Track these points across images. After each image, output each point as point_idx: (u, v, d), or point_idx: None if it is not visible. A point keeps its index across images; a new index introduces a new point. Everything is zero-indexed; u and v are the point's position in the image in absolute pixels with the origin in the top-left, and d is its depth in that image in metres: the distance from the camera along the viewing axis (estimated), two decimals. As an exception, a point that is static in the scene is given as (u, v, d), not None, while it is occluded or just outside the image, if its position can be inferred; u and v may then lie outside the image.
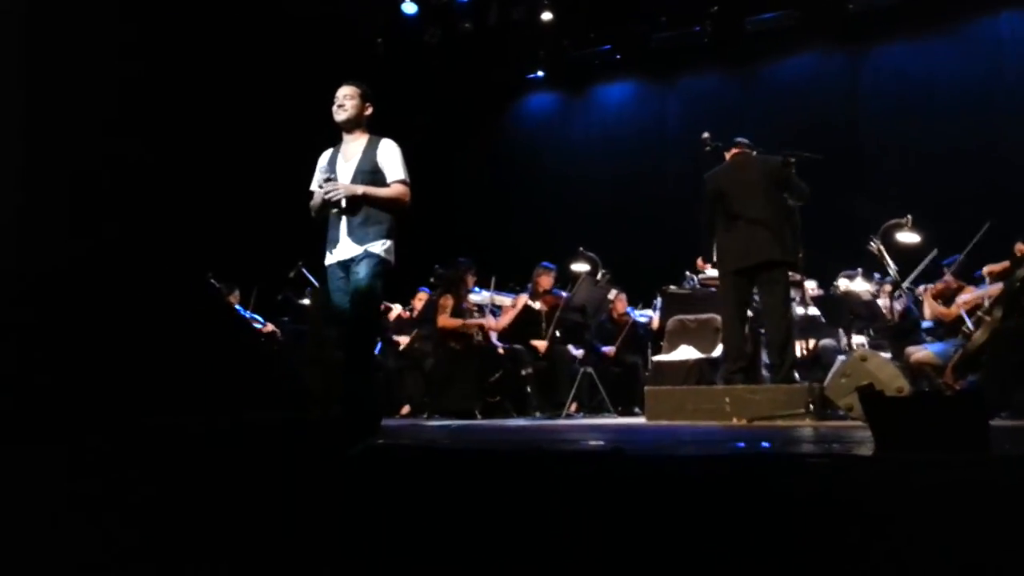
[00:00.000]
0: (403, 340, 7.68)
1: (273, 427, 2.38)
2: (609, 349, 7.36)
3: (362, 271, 3.55)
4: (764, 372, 5.51)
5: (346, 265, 3.62)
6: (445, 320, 6.74)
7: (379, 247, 3.58)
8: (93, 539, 1.85)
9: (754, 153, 5.40)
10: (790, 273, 5.29)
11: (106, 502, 1.94)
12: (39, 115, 2.37)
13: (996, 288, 5.50)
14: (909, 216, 5.95)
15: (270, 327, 7.73)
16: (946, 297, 6.02)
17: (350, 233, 3.60)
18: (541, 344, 6.88)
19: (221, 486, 2.03)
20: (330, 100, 3.74)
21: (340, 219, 3.63)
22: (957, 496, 1.54)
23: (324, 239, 3.72)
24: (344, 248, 3.62)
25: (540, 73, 10.54)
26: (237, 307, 7.26)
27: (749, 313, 5.36)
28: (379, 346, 7.41)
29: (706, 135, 5.36)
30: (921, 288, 6.33)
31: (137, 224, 2.65)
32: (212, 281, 5.92)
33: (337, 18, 8.63)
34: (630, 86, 10.41)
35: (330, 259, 3.69)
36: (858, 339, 6.43)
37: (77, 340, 2.30)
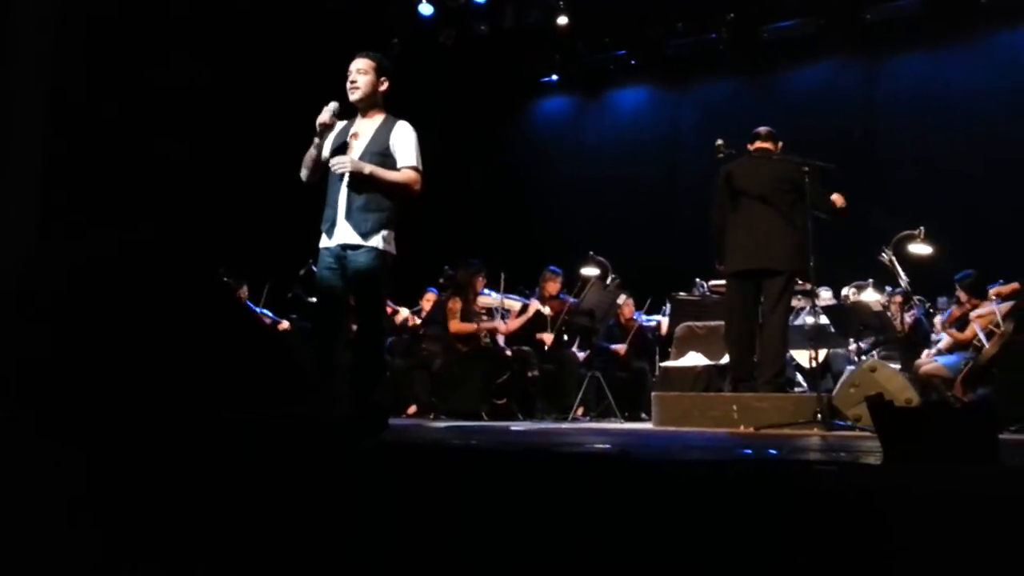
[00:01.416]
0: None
1: (281, 424, 2.38)
2: (620, 347, 7.37)
3: (362, 268, 3.36)
4: None
5: (340, 253, 3.41)
6: (457, 326, 6.74)
7: (378, 239, 3.38)
8: (98, 539, 1.86)
9: (776, 151, 5.18)
10: (800, 281, 5.21)
11: (112, 501, 1.95)
12: (61, 109, 2.38)
13: (1007, 306, 5.50)
14: (922, 228, 5.94)
15: (285, 324, 7.73)
16: (962, 322, 5.96)
17: (348, 216, 3.39)
18: (547, 337, 6.90)
19: (229, 483, 2.04)
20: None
21: (339, 195, 3.41)
22: (964, 506, 1.53)
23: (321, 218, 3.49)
24: (340, 232, 3.40)
25: (554, 77, 10.53)
26: (247, 303, 7.28)
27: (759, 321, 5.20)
28: (388, 342, 7.43)
29: (720, 142, 5.24)
30: (937, 320, 6.32)
31: (154, 219, 2.66)
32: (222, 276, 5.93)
33: (354, 17, 8.65)
34: (644, 92, 10.40)
35: (324, 243, 3.47)
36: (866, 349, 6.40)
37: (89, 336, 2.31)
